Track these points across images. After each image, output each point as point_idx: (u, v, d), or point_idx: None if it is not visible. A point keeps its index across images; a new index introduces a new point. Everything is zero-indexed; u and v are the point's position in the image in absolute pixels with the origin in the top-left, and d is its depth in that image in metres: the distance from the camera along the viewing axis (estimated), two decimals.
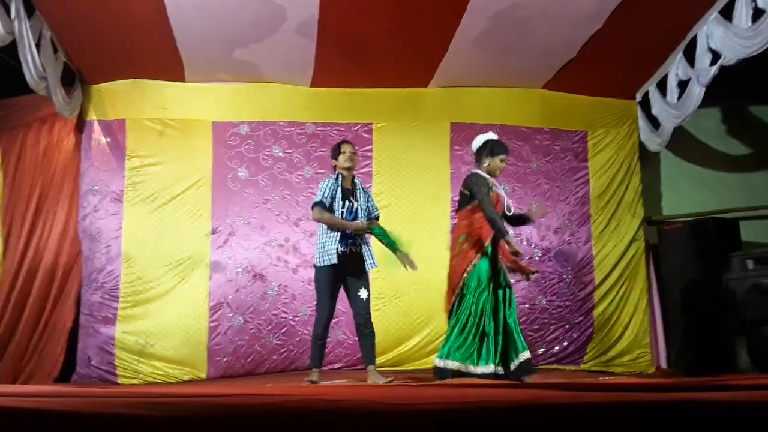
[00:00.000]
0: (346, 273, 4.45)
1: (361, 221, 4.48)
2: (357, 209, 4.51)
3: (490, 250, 4.40)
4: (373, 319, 4.53)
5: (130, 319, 5.51)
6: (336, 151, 4.62)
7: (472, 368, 4.22)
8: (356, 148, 4.75)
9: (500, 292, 4.34)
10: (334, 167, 4.62)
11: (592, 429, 1.86)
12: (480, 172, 4.51)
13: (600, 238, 6.14)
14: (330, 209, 4.45)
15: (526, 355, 4.27)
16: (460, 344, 4.25)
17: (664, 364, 6.05)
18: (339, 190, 4.50)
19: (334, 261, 4.35)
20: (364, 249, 4.50)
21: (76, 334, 5.51)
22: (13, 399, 2.16)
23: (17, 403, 1.98)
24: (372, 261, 4.50)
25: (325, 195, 4.47)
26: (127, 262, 5.58)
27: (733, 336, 5.32)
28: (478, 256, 4.35)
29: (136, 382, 5.39)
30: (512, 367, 4.25)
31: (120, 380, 5.38)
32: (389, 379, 4.51)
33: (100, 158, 5.73)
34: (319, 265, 4.45)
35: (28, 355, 5.38)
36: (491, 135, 4.65)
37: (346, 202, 4.49)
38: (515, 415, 1.90)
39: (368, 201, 4.63)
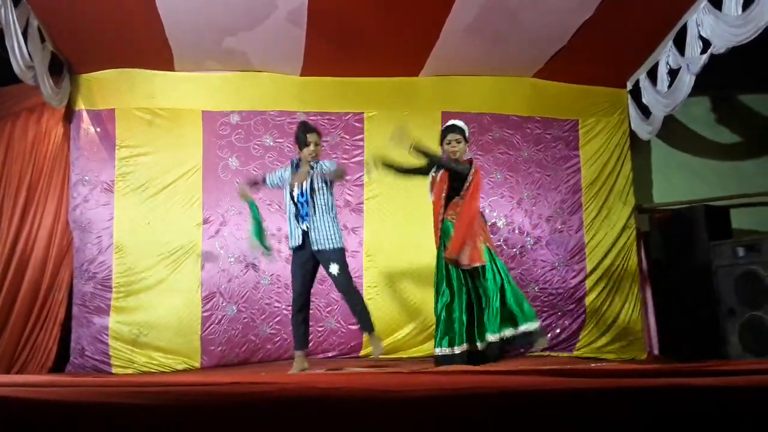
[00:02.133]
0: (312, 253, 4.53)
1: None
2: (310, 191, 4.55)
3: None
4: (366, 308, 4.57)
5: (124, 309, 5.50)
6: (302, 140, 4.62)
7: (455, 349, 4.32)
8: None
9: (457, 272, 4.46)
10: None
11: (584, 415, 1.87)
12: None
13: (591, 226, 6.17)
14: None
15: (492, 338, 4.34)
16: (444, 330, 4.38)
17: (656, 351, 6.11)
18: (290, 176, 4.64)
19: (298, 243, 4.51)
20: (312, 226, 4.52)
21: (70, 324, 5.50)
22: (7, 389, 2.15)
23: (11, 393, 1.97)
24: (323, 240, 4.53)
25: (273, 177, 4.80)
26: (119, 252, 5.57)
27: (724, 323, 5.37)
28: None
29: (130, 371, 5.38)
30: (479, 346, 4.34)
31: (114, 370, 5.37)
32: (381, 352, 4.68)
33: (90, 148, 5.70)
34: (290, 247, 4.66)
35: (21, 345, 5.35)
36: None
37: (297, 186, 4.59)
38: (507, 401, 1.91)
39: (325, 170, 4.61)
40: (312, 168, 4.61)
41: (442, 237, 4.58)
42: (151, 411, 1.86)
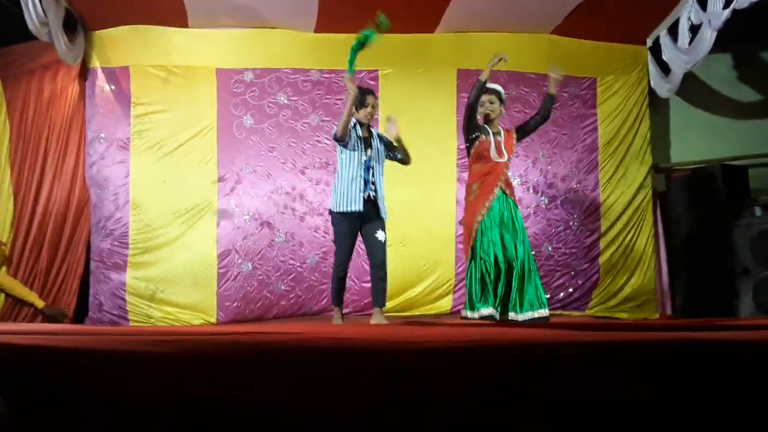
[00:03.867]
0: (364, 218, 4.54)
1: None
2: (374, 156, 4.60)
3: (500, 193, 4.42)
4: None
5: (140, 265, 5.58)
6: (360, 101, 4.57)
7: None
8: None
9: (508, 236, 4.35)
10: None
11: (594, 367, 1.89)
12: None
13: (607, 185, 6.12)
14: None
15: (526, 315, 4.27)
16: (480, 291, 4.29)
17: (668, 311, 6.11)
18: (355, 138, 4.58)
19: (358, 208, 4.45)
20: (379, 195, 4.58)
21: (88, 279, 5.60)
22: (27, 337, 2.21)
23: (31, 341, 2.03)
24: (384, 210, 4.60)
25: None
26: (135, 209, 5.62)
27: (738, 282, 5.36)
28: (490, 199, 4.38)
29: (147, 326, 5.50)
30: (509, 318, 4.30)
31: (131, 325, 5.48)
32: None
33: (105, 106, 5.71)
34: (337, 210, 4.52)
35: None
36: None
37: (367, 150, 4.58)
38: (516, 353, 1.93)
39: (383, 142, 4.69)
40: (371, 134, 4.64)
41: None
42: (167, 358, 1.90)
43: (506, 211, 4.44)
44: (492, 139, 4.48)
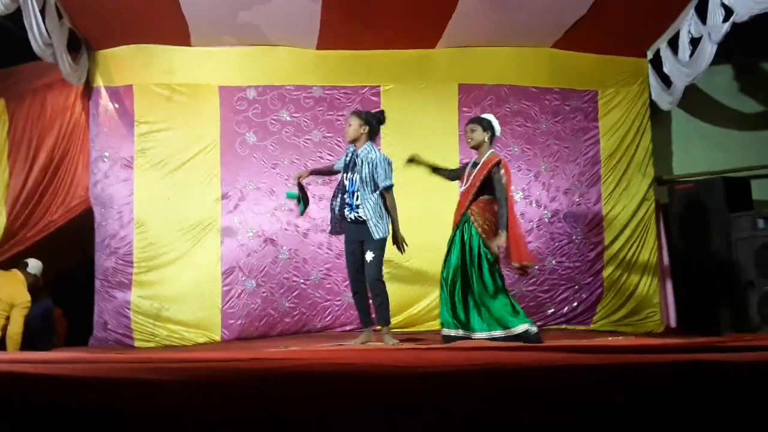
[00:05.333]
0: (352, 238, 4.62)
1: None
2: (354, 180, 4.56)
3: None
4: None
5: (145, 283, 5.59)
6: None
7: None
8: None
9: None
10: None
11: (597, 390, 1.89)
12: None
13: (610, 198, 6.12)
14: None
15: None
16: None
17: (673, 324, 6.09)
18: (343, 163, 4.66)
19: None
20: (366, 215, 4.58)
21: (92, 298, 5.61)
22: (32, 366, 2.22)
23: (36, 370, 2.04)
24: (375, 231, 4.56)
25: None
26: (140, 227, 5.64)
27: (743, 295, 5.34)
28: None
29: (152, 345, 5.49)
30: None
31: (136, 344, 5.48)
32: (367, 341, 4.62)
33: (109, 124, 5.74)
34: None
35: None
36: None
37: (348, 174, 4.60)
38: (520, 377, 1.93)
39: (374, 171, 4.54)
40: (369, 163, 4.60)
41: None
42: (171, 386, 1.91)
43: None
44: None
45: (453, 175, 4.87)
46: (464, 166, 4.77)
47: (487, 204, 4.49)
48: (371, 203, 4.51)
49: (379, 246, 4.52)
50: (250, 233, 5.75)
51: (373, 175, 4.52)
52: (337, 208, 4.61)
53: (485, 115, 4.72)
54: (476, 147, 4.61)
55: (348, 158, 4.62)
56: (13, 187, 5.66)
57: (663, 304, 6.12)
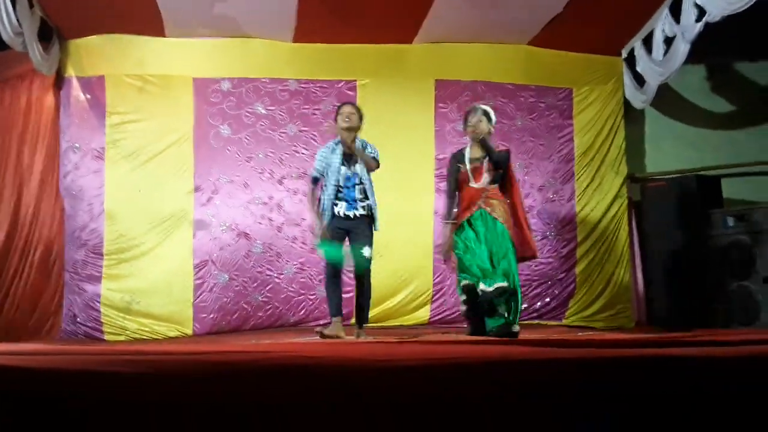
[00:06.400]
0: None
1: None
2: (356, 174, 4.56)
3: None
4: None
5: (115, 276, 5.51)
6: (336, 113, 4.65)
7: None
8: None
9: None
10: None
11: (566, 384, 1.90)
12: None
13: (583, 195, 6.18)
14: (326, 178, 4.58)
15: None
16: None
17: (644, 319, 6.17)
18: (336, 156, 4.55)
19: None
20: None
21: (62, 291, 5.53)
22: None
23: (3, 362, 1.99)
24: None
25: (317, 167, 4.61)
26: (110, 219, 5.56)
27: (712, 292, 5.42)
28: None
29: (122, 338, 5.41)
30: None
31: (106, 337, 5.41)
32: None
33: (80, 115, 5.65)
34: None
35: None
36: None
37: (344, 168, 4.55)
38: (489, 371, 1.93)
39: (375, 155, 4.66)
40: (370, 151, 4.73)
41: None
42: (141, 379, 1.88)
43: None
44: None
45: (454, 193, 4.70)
46: (455, 170, 4.58)
47: (502, 196, 4.52)
48: (372, 191, 4.60)
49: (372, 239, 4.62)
50: (223, 226, 5.70)
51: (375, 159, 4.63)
52: (343, 210, 4.55)
53: (485, 106, 4.64)
54: (477, 138, 4.52)
55: (336, 156, 4.57)
56: None
57: (634, 300, 6.20)
